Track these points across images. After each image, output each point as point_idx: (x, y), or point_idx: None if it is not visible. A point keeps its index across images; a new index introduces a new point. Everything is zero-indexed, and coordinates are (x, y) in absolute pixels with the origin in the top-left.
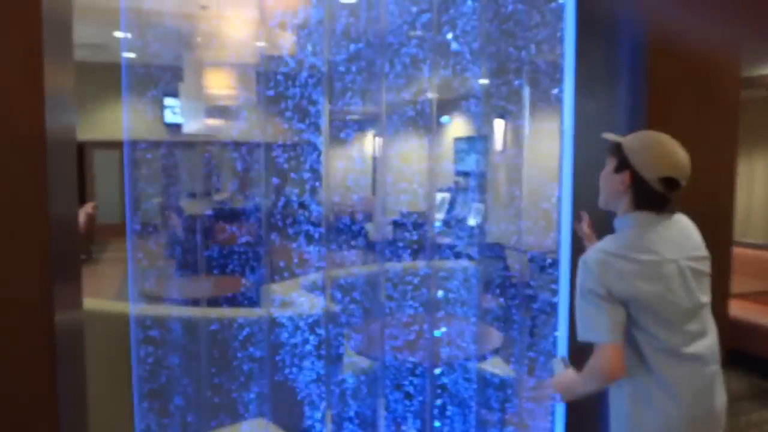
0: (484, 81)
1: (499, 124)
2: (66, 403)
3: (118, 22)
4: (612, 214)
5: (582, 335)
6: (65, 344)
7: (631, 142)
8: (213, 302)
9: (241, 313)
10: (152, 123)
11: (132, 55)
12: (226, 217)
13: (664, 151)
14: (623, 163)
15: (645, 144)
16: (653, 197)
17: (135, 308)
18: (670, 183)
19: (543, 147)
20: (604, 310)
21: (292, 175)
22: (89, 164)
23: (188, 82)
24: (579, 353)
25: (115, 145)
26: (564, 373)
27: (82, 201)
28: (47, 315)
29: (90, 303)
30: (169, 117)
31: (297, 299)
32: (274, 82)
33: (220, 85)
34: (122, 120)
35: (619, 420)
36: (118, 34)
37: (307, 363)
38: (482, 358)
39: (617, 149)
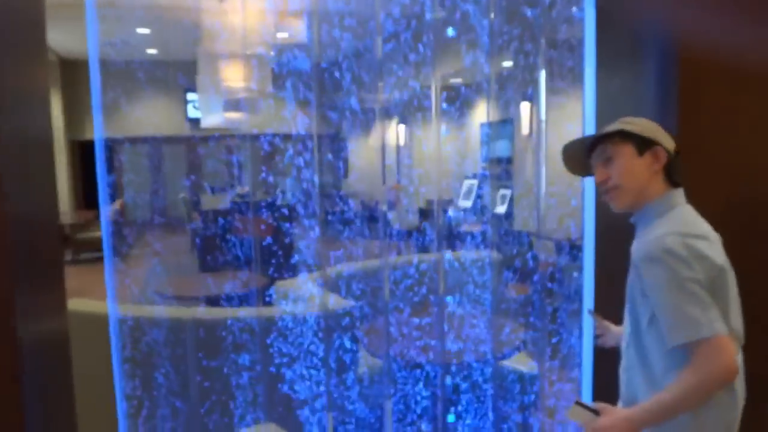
0: (508, 63)
1: (525, 108)
2: (41, 416)
3: (139, 18)
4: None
5: (687, 335)
6: (40, 355)
7: (638, 122)
8: (227, 299)
9: (248, 313)
10: (176, 119)
11: (154, 51)
12: (245, 211)
13: (661, 127)
14: (646, 143)
15: (645, 120)
16: (679, 171)
17: (134, 309)
18: (678, 155)
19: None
20: (707, 298)
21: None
22: (117, 162)
23: (204, 76)
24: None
25: (143, 141)
26: (626, 412)
27: (112, 199)
28: (6, 325)
29: (94, 306)
30: (192, 112)
31: (308, 295)
32: (293, 73)
33: (236, 77)
34: (148, 116)
35: (677, 425)
36: (141, 30)
37: (314, 366)
38: (503, 356)
39: (626, 135)
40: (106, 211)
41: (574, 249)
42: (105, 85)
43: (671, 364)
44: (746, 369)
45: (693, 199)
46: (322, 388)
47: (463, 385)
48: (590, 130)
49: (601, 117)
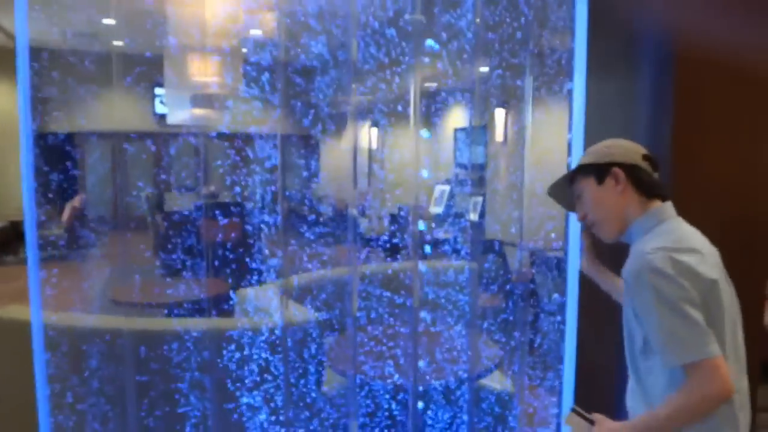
0: (484, 69)
1: (500, 114)
2: None
3: (107, 9)
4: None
5: (680, 358)
6: None
7: (594, 150)
8: (180, 307)
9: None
10: (143, 114)
11: (120, 43)
12: (211, 212)
13: (618, 138)
14: (602, 169)
15: (602, 144)
16: (652, 180)
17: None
18: (652, 160)
19: (547, 137)
20: (698, 318)
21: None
22: (81, 156)
23: (171, 70)
24: (589, 368)
25: (108, 136)
26: (617, 426)
27: (74, 193)
28: None
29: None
30: (160, 108)
31: (269, 305)
32: (264, 71)
33: (204, 73)
34: (114, 111)
35: None
36: (107, 21)
37: (272, 384)
38: (476, 377)
39: (582, 169)
40: (32, 210)
41: (552, 259)
42: (70, 76)
43: (668, 387)
44: None
45: (690, 209)
46: (280, 409)
47: (435, 406)
48: (578, 136)
49: (591, 123)
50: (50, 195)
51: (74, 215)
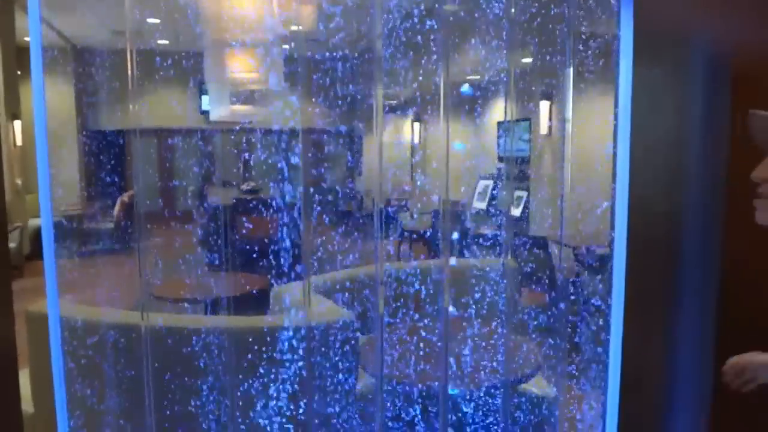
0: (527, 60)
1: (544, 106)
2: None
3: (151, 8)
4: None
5: None
6: None
7: None
8: (221, 303)
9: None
10: (191, 110)
11: (165, 42)
12: (250, 207)
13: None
14: None
15: None
16: None
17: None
18: None
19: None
20: None
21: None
22: (131, 152)
23: (212, 67)
24: (635, 372)
25: (157, 132)
26: None
27: (124, 189)
28: None
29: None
30: (206, 104)
31: (304, 303)
32: (305, 66)
33: (244, 69)
34: (164, 108)
35: None
36: (152, 20)
37: (301, 384)
38: (517, 381)
39: None
40: (47, 205)
41: (598, 257)
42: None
43: None
44: None
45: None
46: (310, 410)
47: (472, 412)
48: (624, 127)
49: (638, 114)
50: (101, 190)
51: (124, 210)
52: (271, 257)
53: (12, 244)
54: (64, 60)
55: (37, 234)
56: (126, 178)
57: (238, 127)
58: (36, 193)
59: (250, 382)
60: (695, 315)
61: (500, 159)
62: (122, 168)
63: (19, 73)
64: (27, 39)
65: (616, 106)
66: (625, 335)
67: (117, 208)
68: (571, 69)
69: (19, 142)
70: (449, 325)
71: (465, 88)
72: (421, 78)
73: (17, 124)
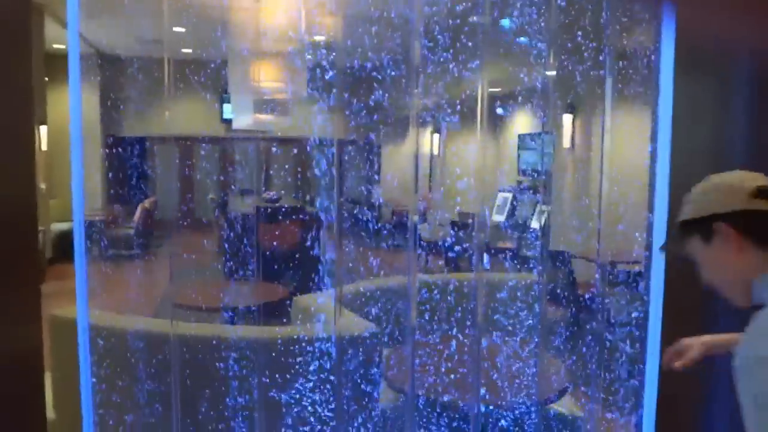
0: (550, 72)
1: (567, 120)
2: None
3: (174, 17)
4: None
5: None
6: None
7: (690, 199)
8: (242, 312)
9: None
10: (212, 119)
11: (188, 50)
12: (271, 217)
13: (724, 173)
14: (705, 224)
15: (701, 187)
16: None
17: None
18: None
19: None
20: None
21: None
22: (153, 159)
23: (235, 76)
24: (671, 394)
25: (179, 140)
26: None
27: (145, 196)
28: None
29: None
30: (227, 113)
31: (326, 314)
32: (325, 75)
33: (267, 78)
34: (186, 116)
35: None
36: (177, 29)
37: (324, 398)
38: (545, 402)
39: (684, 227)
40: (80, 213)
41: (624, 273)
42: (141, 83)
43: None
44: None
45: None
46: (333, 422)
47: None
48: (664, 140)
49: (678, 127)
50: (123, 197)
51: (145, 216)
52: (291, 266)
53: None
54: (91, 68)
55: (59, 238)
56: (148, 185)
57: (260, 136)
58: (59, 198)
59: (268, 393)
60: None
61: (521, 172)
62: (144, 175)
63: (46, 79)
64: (55, 46)
65: (654, 120)
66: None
67: (138, 214)
68: (610, 81)
69: (44, 147)
70: (479, 343)
71: (500, 110)
72: (445, 90)
73: (43, 130)
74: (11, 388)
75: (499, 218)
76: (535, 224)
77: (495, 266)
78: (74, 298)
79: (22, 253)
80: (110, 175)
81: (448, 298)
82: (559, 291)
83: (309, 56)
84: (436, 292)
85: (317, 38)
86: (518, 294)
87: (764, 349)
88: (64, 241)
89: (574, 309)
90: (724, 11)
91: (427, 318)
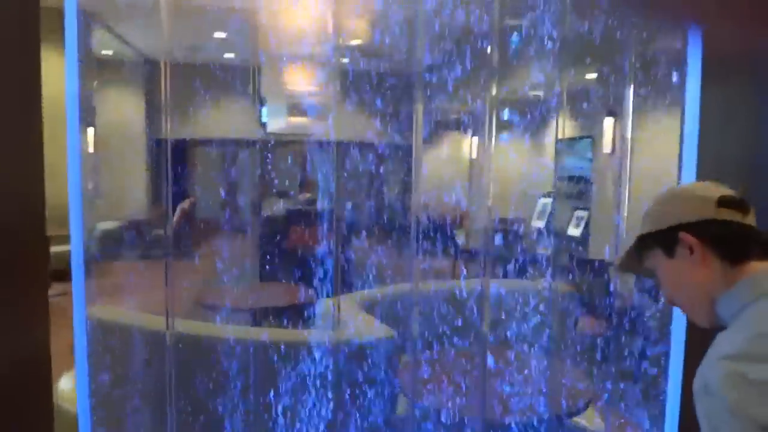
0: (591, 76)
1: (608, 124)
2: None
3: (215, 22)
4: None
5: None
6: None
7: (648, 219)
8: (266, 314)
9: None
10: (251, 122)
11: (231, 55)
12: (300, 219)
13: (689, 182)
14: (667, 237)
15: (662, 197)
16: (739, 233)
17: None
18: (734, 204)
19: (659, 148)
20: None
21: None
22: (193, 161)
23: (270, 80)
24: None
25: (218, 143)
26: None
27: (183, 198)
28: None
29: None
30: (266, 116)
31: (347, 318)
32: (359, 79)
33: (301, 82)
34: (226, 119)
35: None
36: (218, 34)
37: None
38: (565, 415)
39: (643, 242)
40: (77, 218)
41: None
42: (183, 87)
43: None
44: None
45: None
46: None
47: None
48: (691, 147)
49: (706, 134)
50: (163, 198)
51: (183, 217)
52: (319, 269)
53: None
54: (136, 72)
55: (104, 237)
56: (187, 187)
57: (297, 139)
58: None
59: (281, 395)
60: None
61: (560, 178)
62: (184, 177)
63: (96, 83)
64: (103, 52)
65: (682, 124)
66: (686, 366)
67: (177, 215)
68: (631, 88)
69: (90, 150)
70: (486, 353)
71: (506, 115)
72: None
73: (90, 132)
74: (18, 390)
75: (539, 224)
76: (573, 231)
77: (532, 274)
78: (116, 295)
79: (30, 256)
80: (152, 176)
81: (473, 306)
82: (594, 302)
83: (343, 60)
84: (462, 299)
85: (353, 42)
86: (547, 304)
87: (711, 378)
88: (108, 240)
89: (605, 319)
90: (752, 14)
91: (454, 326)
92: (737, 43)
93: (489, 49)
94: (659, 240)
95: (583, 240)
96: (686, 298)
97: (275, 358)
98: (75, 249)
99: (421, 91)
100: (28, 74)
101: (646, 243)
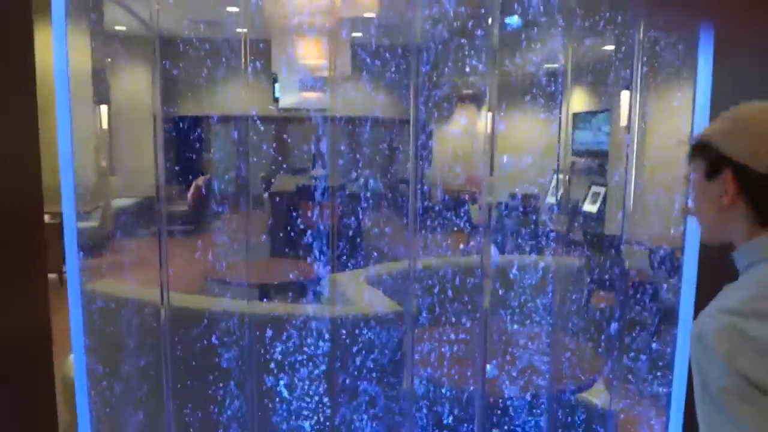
0: (609, 47)
1: (624, 97)
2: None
3: None
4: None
5: None
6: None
7: (718, 126)
8: (275, 289)
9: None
10: (264, 98)
11: (243, 30)
12: (311, 195)
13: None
14: (717, 162)
15: (742, 119)
16: None
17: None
18: None
19: (673, 123)
20: (748, 418)
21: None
22: (207, 138)
23: (281, 54)
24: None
25: (232, 119)
26: None
27: (200, 174)
28: None
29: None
30: (278, 92)
31: (353, 293)
32: (372, 52)
33: (313, 55)
34: (240, 95)
35: None
36: (230, 8)
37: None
38: (574, 390)
39: (702, 147)
40: (69, 198)
41: (671, 260)
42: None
43: None
44: None
45: None
46: (347, 405)
47: (522, 423)
48: (702, 123)
49: (717, 108)
50: (178, 174)
51: (198, 194)
52: (329, 245)
53: (93, 224)
54: (148, 48)
55: (119, 213)
56: (202, 163)
57: (309, 114)
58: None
59: (289, 371)
60: None
61: (575, 153)
62: (198, 153)
63: (109, 60)
64: (117, 28)
65: (694, 98)
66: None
67: (191, 191)
68: (641, 64)
69: (104, 126)
70: (488, 326)
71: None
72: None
73: (103, 109)
74: (19, 373)
75: (552, 200)
76: (589, 207)
77: (546, 249)
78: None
79: (29, 241)
80: (166, 153)
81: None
82: (605, 276)
83: (356, 34)
84: (473, 274)
85: (367, 15)
86: (560, 279)
87: (707, 327)
88: (124, 217)
89: (621, 297)
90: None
91: (463, 301)
92: (747, 36)
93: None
94: (707, 156)
95: (599, 216)
96: (701, 220)
97: (271, 333)
98: (68, 227)
99: (418, 65)
100: (22, 56)
101: (699, 152)
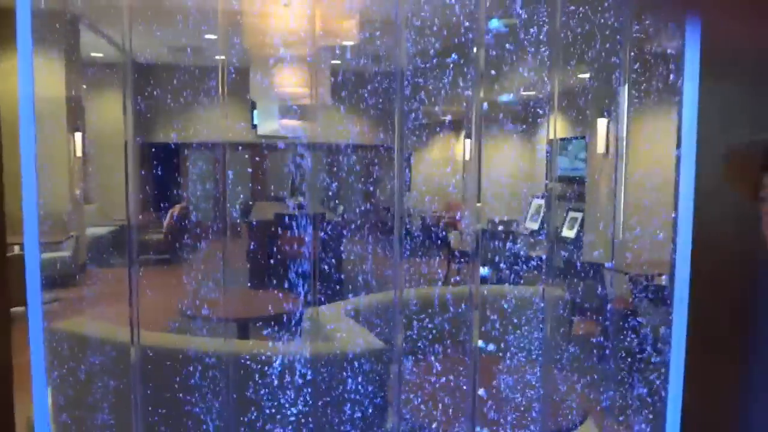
0: (584, 75)
1: (602, 124)
2: None
3: (209, 23)
4: None
5: None
6: None
7: None
8: (247, 324)
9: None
10: (242, 125)
11: (222, 57)
12: (289, 224)
13: None
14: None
15: None
16: None
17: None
18: None
19: (655, 149)
20: None
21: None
22: (184, 165)
23: (260, 82)
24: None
25: (209, 146)
26: None
27: (178, 201)
28: None
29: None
30: (257, 119)
31: (331, 328)
32: (350, 80)
33: (292, 83)
34: (217, 122)
35: None
36: (209, 36)
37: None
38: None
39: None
40: (33, 229)
41: (656, 288)
42: (175, 89)
43: None
44: None
45: None
46: None
47: None
48: (689, 148)
49: (705, 135)
50: (153, 202)
51: (174, 222)
52: (308, 276)
53: (66, 254)
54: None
55: (94, 243)
56: (178, 191)
57: (287, 142)
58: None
59: (266, 409)
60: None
61: (554, 178)
62: (174, 181)
63: (84, 86)
64: (93, 54)
65: (679, 127)
66: (687, 386)
67: (167, 219)
68: (626, 87)
69: (78, 154)
70: (477, 365)
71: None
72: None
73: (78, 136)
74: None
75: (533, 225)
76: (567, 232)
77: (526, 276)
78: (104, 303)
79: None
80: (142, 180)
81: (456, 311)
82: (585, 304)
83: (334, 61)
84: (452, 305)
85: (345, 43)
86: (539, 309)
87: None
88: (99, 246)
89: (602, 326)
90: (753, 10)
91: (444, 332)
92: (737, 38)
93: (474, 50)
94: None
95: (577, 241)
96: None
97: (249, 370)
98: (30, 260)
99: (401, 92)
100: None
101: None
